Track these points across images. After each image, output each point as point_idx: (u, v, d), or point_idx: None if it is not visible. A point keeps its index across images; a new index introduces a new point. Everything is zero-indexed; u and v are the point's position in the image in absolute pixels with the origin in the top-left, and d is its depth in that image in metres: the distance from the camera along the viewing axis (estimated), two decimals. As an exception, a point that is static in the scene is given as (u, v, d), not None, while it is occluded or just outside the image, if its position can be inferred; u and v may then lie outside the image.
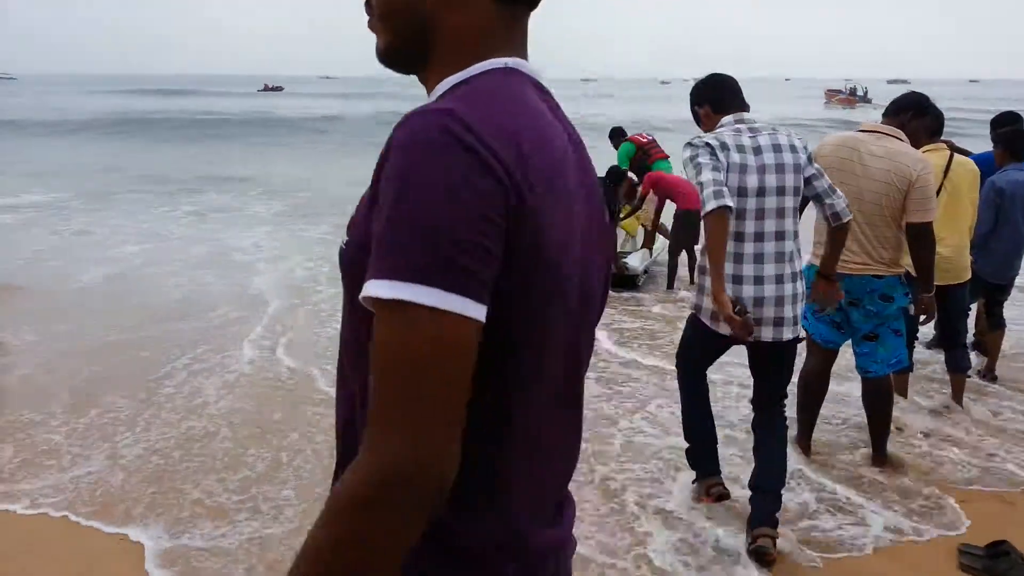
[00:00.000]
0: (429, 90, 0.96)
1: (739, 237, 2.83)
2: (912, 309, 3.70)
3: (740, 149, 2.83)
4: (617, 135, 9.25)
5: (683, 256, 7.70)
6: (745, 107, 3.02)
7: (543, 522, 0.98)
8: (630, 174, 8.67)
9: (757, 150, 2.84)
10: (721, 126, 2.96)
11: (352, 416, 0.93)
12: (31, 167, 17.08)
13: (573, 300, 0.91)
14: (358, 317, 0.86)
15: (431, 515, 0.77)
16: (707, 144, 2.83)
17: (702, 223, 2.78)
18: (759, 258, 2.84)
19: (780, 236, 2.85)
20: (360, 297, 0.78)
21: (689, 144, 2.89)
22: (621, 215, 8.06)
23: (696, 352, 3.24)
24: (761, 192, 2.81)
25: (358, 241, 0.87)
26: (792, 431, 3.52)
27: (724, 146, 2.82)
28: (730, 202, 2.68)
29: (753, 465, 3.12)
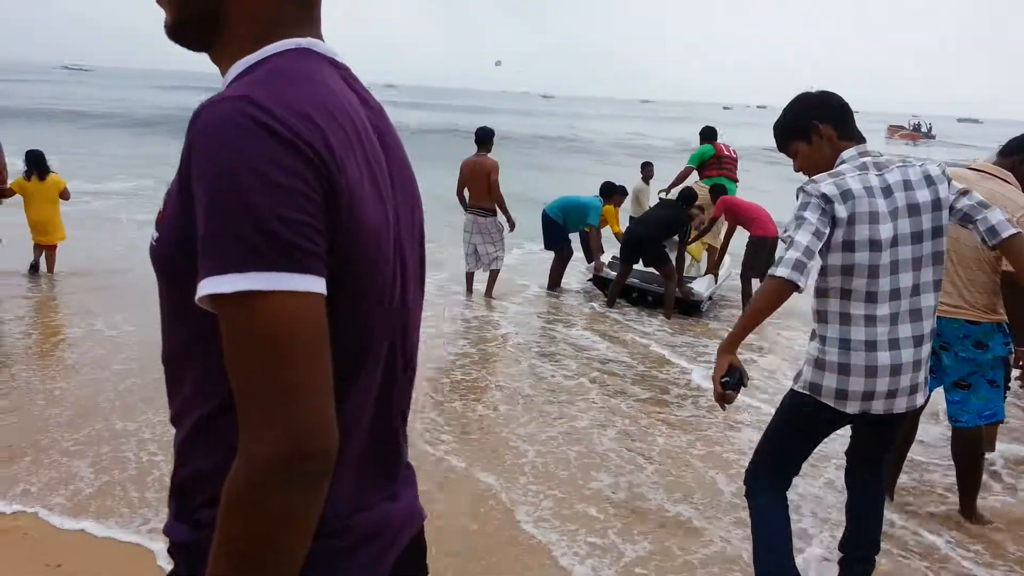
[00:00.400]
0: (223, 71, 0.95)
1: (872, 298, 2.40)
2: (1012, 360, 3.57)
3: (869, 193, 2.38)
4: (707, 135, 8.94)
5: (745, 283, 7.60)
6: (863, 137, 2.58)
7: (377, 496, 1.00)
8: (695, 178, 8.59)
9: (887, 191, 2.41)
10: (842, 162, 2.50)
11: (189, 434, 0.93)
12: (107, 158, 17.69)
13: (388, 273, 0.92)
14: (191, 315, 0.84)
15: (327, 483, 0.80)
16: (823, 196, 2.38)
17: (764, 281, 2.40)
18: (895, 319, 2.42)
19: (916, 291, 2.44)
20: (196, 299, 0.78)
21: (803, 191, 2.44)
22: (689, 238, 7.98)
23: (798, 446, 2.65)
24: (895, 242, 2.39)
25: (168, 237, 0.86)
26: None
27: (847, 195, 2.36)
28: (803, 283, 2.32)
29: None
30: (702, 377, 5.71)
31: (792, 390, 2.61)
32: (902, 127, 63.51)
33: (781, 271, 2.32)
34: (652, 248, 7.43)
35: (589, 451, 4.26)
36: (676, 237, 7.70)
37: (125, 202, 11.82)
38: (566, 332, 6.78)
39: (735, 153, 8.81)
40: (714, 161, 8.66)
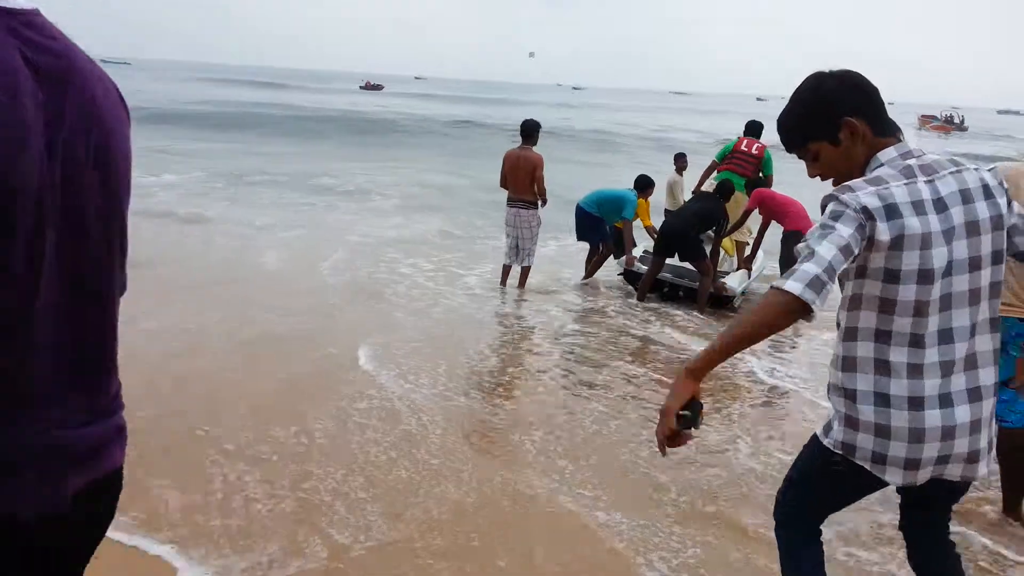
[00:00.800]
0: None
1: (917, 342, 1.89)
2: None
3: (918, 209, 1.85)
4: (745, 129, 8.81)
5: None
6: (899, 130, 2.03)
7: (57, 424, 1.06)
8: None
9: (940, 204, 1.87)
10: (879, 164, 1.96)
11: None
12: (152, 153, 18.08)
13: (23, 213, 0.95)
14: None
15: None
16: (863, 210, 1.83)
17: (768, 293, 1.82)
18: (947, 368, 1.90)
19: (973, 331, 1.91)
20: None
21: (836, 199, 1.88)
22: (724, 232, 7.97)
23: (831, 501, 2.27)
24: (948, 271, 1.87)
25: None
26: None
27: (892, 211, 1.84)
28: (818, 307, 1.77)
29: None
30: (767, 373, 5.64)
31: (821, 444, 2.10)
32: (933, 117, 61.66)
33: (793, 285, 1.76)
34: (689, 242, 7.38)
35: (731, 477, 3.80)
36: (712, 231, 7.69)
37: (184, 196, 12.06)
38: (640, 330, 6.72)
39: (758, 151, 8.48)
40: (728, 155, 8.59)
